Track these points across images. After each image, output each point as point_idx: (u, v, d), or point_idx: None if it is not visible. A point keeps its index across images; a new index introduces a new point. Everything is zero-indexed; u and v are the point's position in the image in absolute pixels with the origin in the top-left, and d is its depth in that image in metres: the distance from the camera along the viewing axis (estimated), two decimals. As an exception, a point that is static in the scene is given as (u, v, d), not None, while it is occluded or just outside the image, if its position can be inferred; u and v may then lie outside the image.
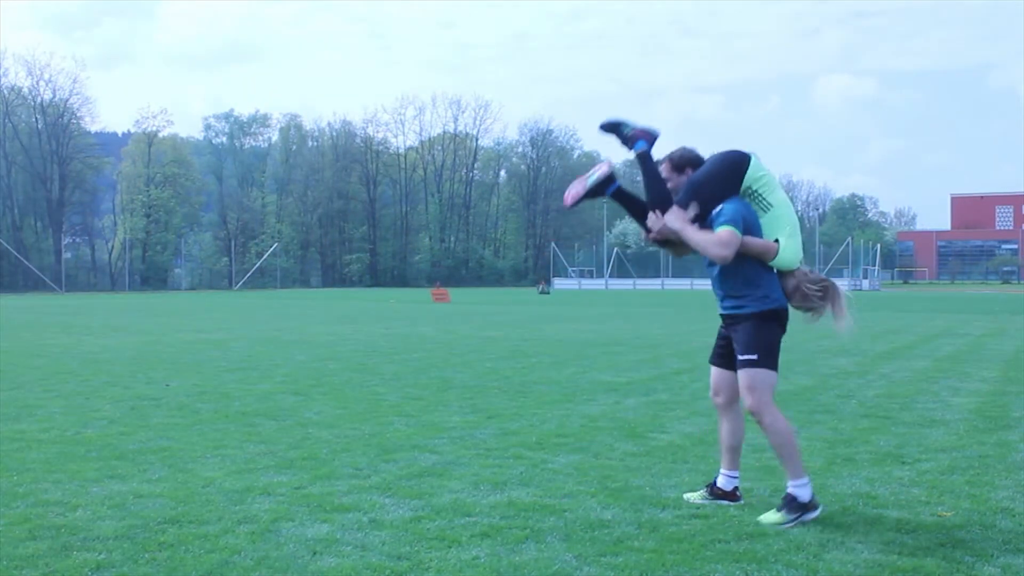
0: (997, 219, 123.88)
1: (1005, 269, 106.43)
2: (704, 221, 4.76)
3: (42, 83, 73.80)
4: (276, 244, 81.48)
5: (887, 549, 4.18)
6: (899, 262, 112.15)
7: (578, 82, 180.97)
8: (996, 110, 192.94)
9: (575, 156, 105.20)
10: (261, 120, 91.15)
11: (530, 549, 4.17)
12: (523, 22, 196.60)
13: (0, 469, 5.76)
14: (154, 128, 78.69)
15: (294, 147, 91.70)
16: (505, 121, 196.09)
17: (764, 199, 4.81)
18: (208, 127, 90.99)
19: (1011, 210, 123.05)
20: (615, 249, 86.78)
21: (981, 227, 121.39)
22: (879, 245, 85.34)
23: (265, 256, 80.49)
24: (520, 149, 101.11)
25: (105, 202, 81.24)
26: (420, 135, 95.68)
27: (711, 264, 4.90)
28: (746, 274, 4.77)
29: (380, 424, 7.45)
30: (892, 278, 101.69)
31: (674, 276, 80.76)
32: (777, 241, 4.75)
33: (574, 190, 5.02)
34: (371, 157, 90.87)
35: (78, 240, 78.50)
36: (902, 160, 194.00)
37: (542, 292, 56.62)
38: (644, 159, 4.96)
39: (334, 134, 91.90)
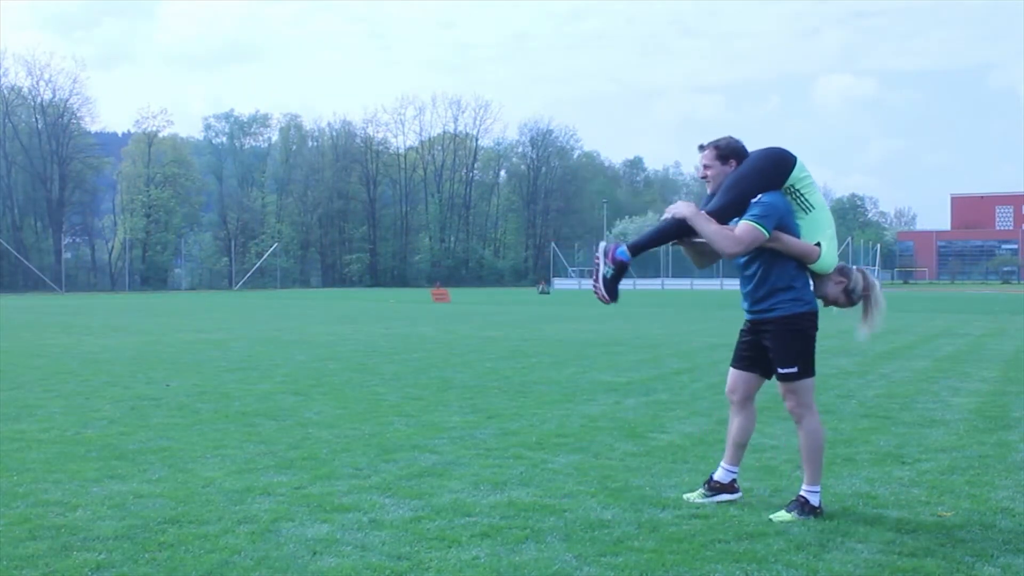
0: (997, 219, 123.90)
1: (1005, 269, 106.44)
2: (741, 215, 4.70)
3: (42, 83, 73.87)
4: (276, 244, 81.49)
5: (887, 549, 4.18)
6: (899, 262, 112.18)
7: (578, 82, 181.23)
8: (996, 110, 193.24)
9: (575, 156, 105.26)
10: (261, 120, 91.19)
11: (530, 549, 4.17)
12: (523, 22, 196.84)
13: (0, 469, 5.76)
14: (154, 128, 78.76)
15: (294, 147, 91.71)
16: (505, 121, 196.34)
17: (807, 200, 4.77)
18: (208, 127, 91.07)
19: (1011, 210, 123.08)
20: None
21: (981, 227, 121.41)
22: (879, 245, 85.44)
23: (265, 256, 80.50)
24: (520, 149, 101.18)
25: (105, 202, 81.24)
26: (420, 135, 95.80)
27: (745, 264, 4.84)
28: (782, 275, 4.73)
29: (380, 424, 7.45)
30: (892, 278, 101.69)
31: (674, 276, 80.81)
32: (819, 244, 4.72)
33: (600, 293, 4.83)
34: (371, 157, 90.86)
35: (78, 240, 78.50)
36: (902, 160, 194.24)
37: (542, 292, 56.63)
38: (638, 249, 4.83)
39: (334, 134, 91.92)
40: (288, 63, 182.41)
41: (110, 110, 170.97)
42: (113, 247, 78.32)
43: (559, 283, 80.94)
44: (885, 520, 4.64)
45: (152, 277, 76.59)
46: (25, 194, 73.89)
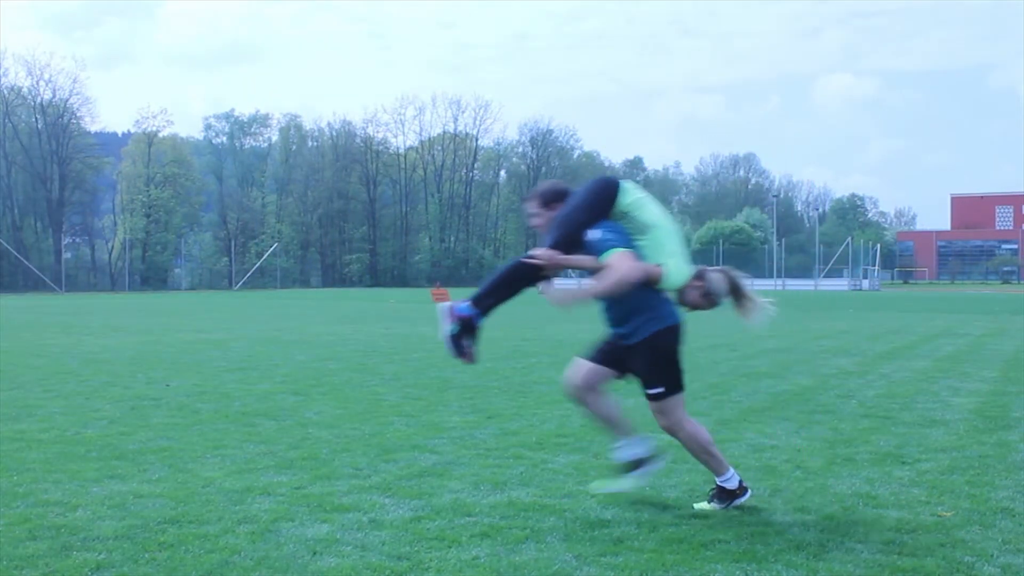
0: (997, 219, 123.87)
1: (1005, 269, 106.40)
2: (576, 249, 4.73)
3: (42, 83, 73.75)
4: (276, 244, 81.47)
5: (887, 549, 4.18)
6: (899, 262, 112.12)
7: (578, 82, 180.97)
8: (996, 110, 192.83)
9: (575, 156, 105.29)
10: (261, 120, 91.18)
11: (530, 549, 4.18)
12: (523, 22, 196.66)
13: (0, 469, 5.76)
14: (154, 128, 78.67)
15: (294, 147, 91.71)
16: (505, 121, 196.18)
17: (640, 222, 4.76)
18: (208, 127, 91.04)
19: (1011, 210, 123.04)
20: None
21: (981, 227, 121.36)
22: (879, 245, 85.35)
23: (265, 256, 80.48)
24: (520, 149, 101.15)
25: (105, 202, 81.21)
26: (420, 135, 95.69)
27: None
28: (636, 296, 4.72)
29: (380, 424, 7.45)
30: (892, 278, 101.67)
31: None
32: (662, 264, 4.71)
33: (450, 352, 4.88)
34: (371, 157, 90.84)
35: (78, 240, 78.47)
36: (902, 160, 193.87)
37: (542, 292, 56.56)
38: (481, 300, 4.85)
39: (334, 134, 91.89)
40: (288, 63, 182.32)
41: (110, 110, 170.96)
42: (113, 247, 78.29)
43: (559, 283, 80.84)
44: (885, 520, 4.64)
45: (152, 277, 76.57)
46: (25, 194, 73.87)
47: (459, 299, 4.88)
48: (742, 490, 4.85)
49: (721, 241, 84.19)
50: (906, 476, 5.62)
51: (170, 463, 5.95)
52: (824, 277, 76.27)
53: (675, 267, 4.75)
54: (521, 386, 9.86)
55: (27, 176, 73.26)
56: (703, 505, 4.85)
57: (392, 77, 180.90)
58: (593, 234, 4.69)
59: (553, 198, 4.95)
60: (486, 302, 4.82)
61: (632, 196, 4.80)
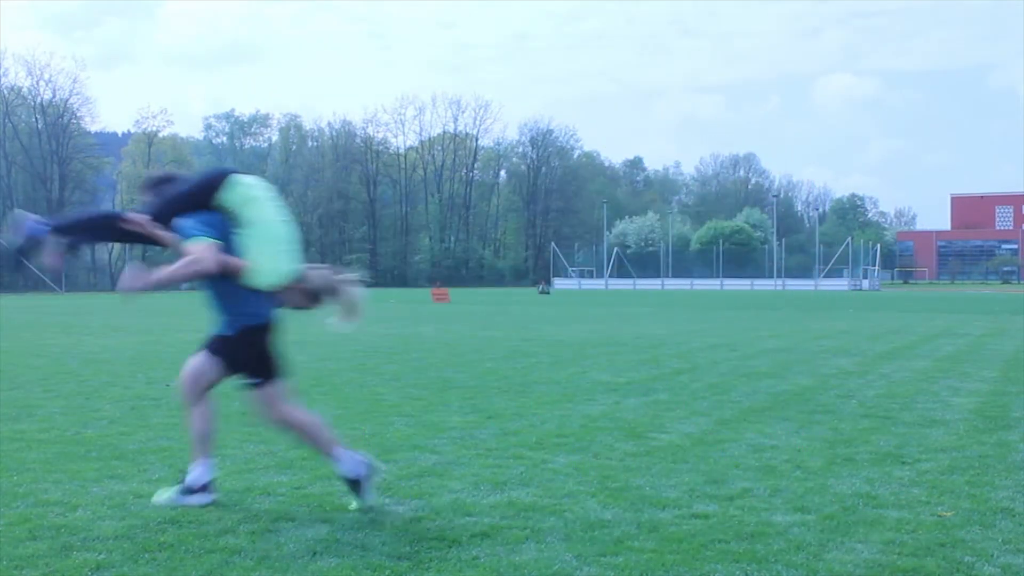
0: (997, 219, 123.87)
1: (1005, 269, 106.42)
2: (168, 228, 4.74)
3: (42, 83, 73.84)
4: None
5: (887, 549, 4.18)
6: (899, 262, 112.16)
7: (578, 82, 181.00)
8: (996, 110, 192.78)
9: (575, 156, 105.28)
10: (261, 120, 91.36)
11: (530, 549, 4.17)
12: (523, 22, 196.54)
13: (0, 469, 5.76)
14: (154, 128, 78.85)
15: (294, 147, 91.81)
16: (505, 121, 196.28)
17: (243, 217, 4.75)
18: (208, 127, 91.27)
19: (1011, 210, 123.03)
20: (615, 249, 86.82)
21: (981, 227, 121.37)
22: (879, 245, 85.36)
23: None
24: (520, 149, 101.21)
25: (105, 202, 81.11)
26: (420, 135, 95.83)
27: (204, 283, 4.87)
28: (227, 292, 4.78)
29: (380, 424, 7.45)
30: (892, 278, 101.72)
31: (674, 276, 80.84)
32: (251, 261, 4.71)
33: (10, 260, 4.94)
34: (371, 157, 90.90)
35: (78, 240, 78.48)
36: (902, 160, 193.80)
37: (542, 292, 56.64)
38: (64, 229, 4.84)
39: (334, 134, 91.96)
40: (288, 63, 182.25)
41: (110, 110, 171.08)
42: (113, 247, 78.27)
43: (559, 283, 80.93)
44: (885, 520, 4.64)
45: (152, 277, 76.56)
46: (25, 194, 73.83)
47: (37, 217, 4.86)
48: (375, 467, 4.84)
49: (721, 241, 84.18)
50: (906, 476, 5.62)
51: (170, 463, 5.95)
52: (824, 277, 76.31)
53: (266, 265, 4.73)
54: (521, 386, 9.86)
55: (27, 176, 73.28)
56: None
57: (392, 77, 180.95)
58: (184, 221, 4.71)
59: (159, 183, 5.08)
60: (64, 231, 4.84)
61: (241, 192, 4.77)
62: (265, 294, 4.82)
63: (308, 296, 4.93)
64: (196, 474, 4.93)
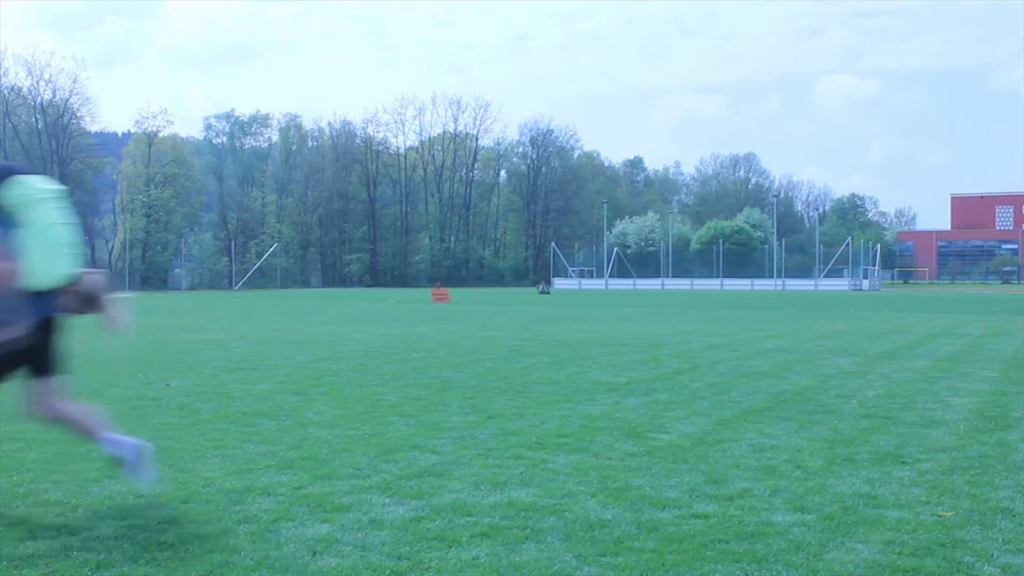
0: (997, 219, 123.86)
1: (1005, 269, 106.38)
2: None
3: (42, 83, 73.88)
4: (276, 244, 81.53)
5: (887, 549, 4.18)
6: (899, 262, 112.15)
7: (578, 82, 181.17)
8: (996, 110, 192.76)
9: (575, 156, 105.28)
10: (261, 120, 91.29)
11: (530, 549, 4.17)
12: (523, 22, 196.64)
13: (0, 469, 5.76)
14: (154, 128, 78.83)
15: (294, 147, 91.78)
16: (505, 121, 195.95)
17: (20, 217, 4.71)
18: (208, 127, 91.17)
19: (1011, 210, 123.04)
20: (615, 249, 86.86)
21: (981, 227, 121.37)
22: (879, 245, 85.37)
23: (265, 256, 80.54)
24: (520, 149, 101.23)
25: (105, 202, 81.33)
26: (420, 135, 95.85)
27: None
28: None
29: (380, 424, 7.45)
30: (892, 278, 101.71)
31: (674, 276, 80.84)
32: (21, 262, 4.68)
33: None
34: (371, 157, 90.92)
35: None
36: (902, 160, 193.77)
37: (542, 292, 56.63)
38: None
39: (334, 134, 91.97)
40: (288, 63, 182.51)
41: (110, 110, 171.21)
42: (113, 247, 78.39)
43: (559, 283, 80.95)
44: (885, 520, 4.64)
45: (152, 277, 76.61)
46: (25, 194, 73.86)
47: None
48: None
49: (721, 241, 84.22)
50: (906, 476, 5.62)
51: (170, 463, 5.95)
52: (824, 277, 76.31)
53: (39, 267, 4.71)
54: (521, 386, 9.86)
55: (27, 176, 73.21)
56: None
57: (392, 77, 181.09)
58: None
59: None
60: None
61: (22, 191, 4.73)
62: (39, 295, 4.79)
63: (82, 300, 4.95)
64: (115, 447, 4.91)
